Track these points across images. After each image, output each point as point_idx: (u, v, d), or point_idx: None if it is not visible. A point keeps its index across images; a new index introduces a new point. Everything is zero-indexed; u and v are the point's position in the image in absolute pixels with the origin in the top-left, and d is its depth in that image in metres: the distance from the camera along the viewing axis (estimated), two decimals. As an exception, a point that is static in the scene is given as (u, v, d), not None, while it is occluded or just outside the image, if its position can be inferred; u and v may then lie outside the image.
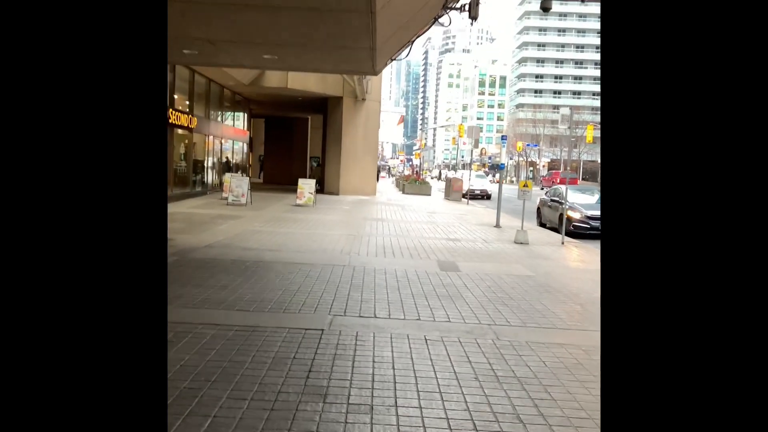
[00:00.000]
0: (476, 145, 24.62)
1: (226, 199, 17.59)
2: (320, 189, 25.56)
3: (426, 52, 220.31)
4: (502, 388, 3.86)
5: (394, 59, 10.57)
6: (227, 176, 18.56)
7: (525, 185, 13.37)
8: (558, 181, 51.97)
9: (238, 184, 17.61)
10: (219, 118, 22.75)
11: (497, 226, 15.07)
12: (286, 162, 32.28)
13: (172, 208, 15.50)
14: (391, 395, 3.64)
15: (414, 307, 5.95)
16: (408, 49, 10.42)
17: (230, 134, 24.60)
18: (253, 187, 27.46)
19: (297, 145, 33.36)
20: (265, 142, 34.20)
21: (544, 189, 49.37)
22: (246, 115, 27.90)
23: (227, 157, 25.01)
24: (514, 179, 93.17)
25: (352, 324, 5.22)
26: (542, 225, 16.75)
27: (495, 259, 9.62)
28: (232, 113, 25.06)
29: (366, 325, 5.20)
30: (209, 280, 6.68)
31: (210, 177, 21.74)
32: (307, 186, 18.65)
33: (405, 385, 3.81)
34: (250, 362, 4.10)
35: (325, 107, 25.44)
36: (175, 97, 17.39)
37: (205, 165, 21.36)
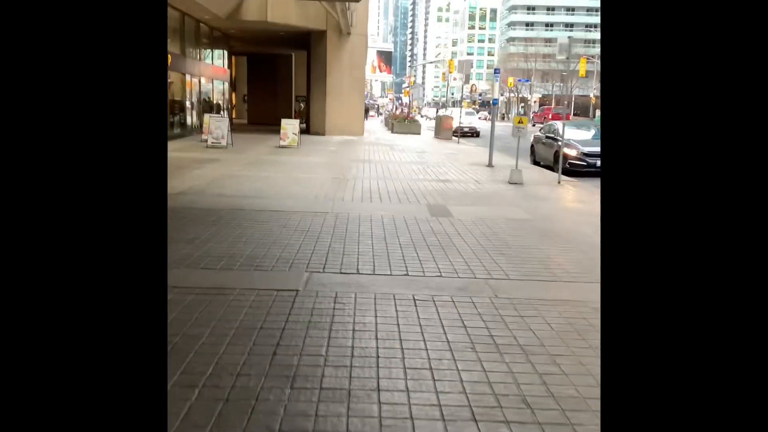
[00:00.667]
0: (467, 81, 23.64)
1: (206, 141, 16.71)
2: (306, 129, 24.61)
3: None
4: (504, 361, 3.30)
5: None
6: (206, 117, 17.58)
7: (520, 121, 12.60)
8: (550, 117, 51.00)
9: (217, 126, 16.69)
10: (196, 56, 21.49)
11: (490, 165, 14.39)
12: (271, 101, 31.07)
13: (148, 152, 14.64)
14: (373, 375, 3.06)
15: (402, 260, 5.35)
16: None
17: (209, 73, 23.37)
18: (237, 128, 26.48)
19: (281, 84, 32.08)
20: (248, 80, 32.85)
21: (536, 125, 48.56)
22: (226, 52, 26.52)
23: (208, 97, 23.87)
24: (505, 116, 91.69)
25: (331, 283, 4.61)
26: (536, 163, 16.08)
27: (489, 202, 9.00)
28: (211, 50, 23.72)
29: (347, 284, 4.59)
30: (175, 233, 6.02)
31: (190, 118, 20.70)
32: (290, 126, 17.76)
33: (389, 361, 3.23)
34: (208, 335, 3.49)
35: (309, 43, 24.11)
36: (145, 32, 16.17)
37: (184, 106, 20.28)
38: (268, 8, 20.00)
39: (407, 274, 4.93)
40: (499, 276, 4.99)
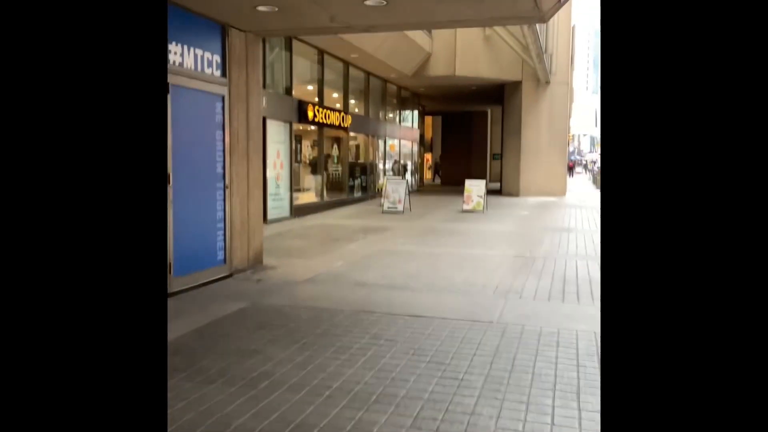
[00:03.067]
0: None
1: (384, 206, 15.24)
2: (499, 189, 22.23)
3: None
4: None
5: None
6: (383, 180, 16.18)
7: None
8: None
9: (394, 189, 15.14)
10: (382, 116, 20.62)
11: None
12: (465, 161, 29.38)
13: (319, 218, 13.51)
14: None
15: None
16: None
17: (397, 133, 22.40)
18: (426, 189, 25.15)
19: (476, 142, 30.31)
20: (442, 140, 31.69)
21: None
22: (417, 112, 25.58)
23: (396, 159, 22.89)
24: None
25: None
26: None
27: None
28: (398, 110, 22.85)
29: None
30: (244, 359, 4.04)
31: (373, 182, 19.66)
32: (475, 188, 15.54)
33: None
34: None
35: (503, 95, 21.97)
36: (324, 91, 15.48)
37: (366, 168, 19.32)
38: (457, 62, 18.41)
39: None
40: None
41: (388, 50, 15.81)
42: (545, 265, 7.79)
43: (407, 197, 15.10)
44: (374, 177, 19.77)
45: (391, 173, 20.46)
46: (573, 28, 24.13)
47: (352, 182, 18.07)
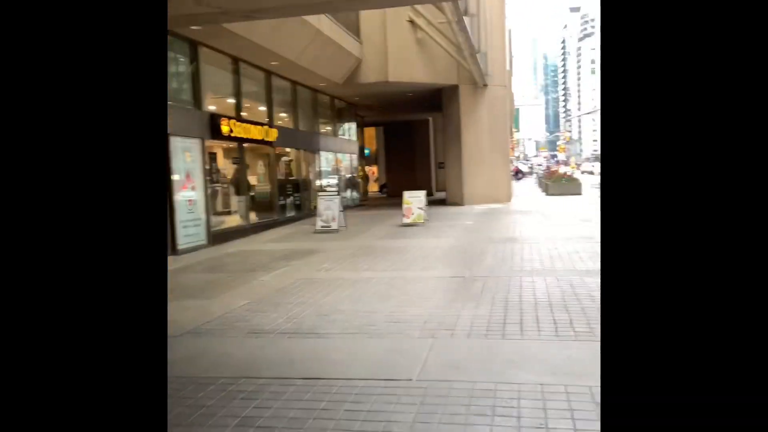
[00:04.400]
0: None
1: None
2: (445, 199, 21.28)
3: (563, 41, 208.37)
4: None
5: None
6: (318, 197, 14.89)
7: None
8: None
9: (326, 206, 13.89)
10: (315, 128, 19.38)
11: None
12: (409, 172, 28.38)
13: (243, 244, 12.12)
14: None
15: None
16: None
17: (333, 146, 21.19)
18: (370, 203, 23.96)
19: (419, 152, 29.40)
20: (385, 151, 30.67)
21: None
22: (355, 123, 24.45)
23: (342, 174, 21.66)
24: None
25: None
26: None
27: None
28: (334, 122, 21.66)
29: None
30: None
31: (308, 198, 18.34)
32: (415, 200, 14.46)
33: None
34: None
35: (441, 101, 21.07)
36: (243, 103, 14.13)
37: (299, 185, 18.01)
38: (389, 67, 17.36)
39: None
40: None
41: (312, 56, 14.61)
42: (486, 287, 6.69)
43: (341, 214, 13.87)
44: (309, 194, 18.45)
45: (334, 189, 19.12)
46: (509, 31, 23.65)
47: (284, 201, 16.71)
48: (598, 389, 3.16)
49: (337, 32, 15.02)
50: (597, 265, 7.82)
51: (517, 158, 76.61)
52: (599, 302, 5.92)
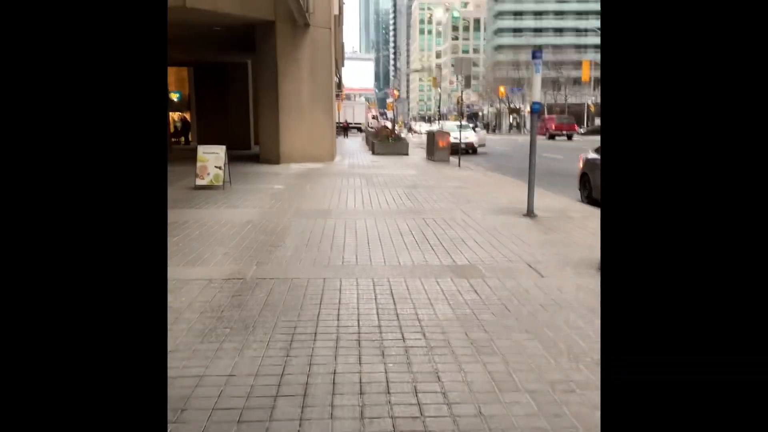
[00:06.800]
0: (468, 84, 17.72)
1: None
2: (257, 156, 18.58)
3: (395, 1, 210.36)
4: None
5: None
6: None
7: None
8: (553, 128, 45.33)
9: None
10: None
11: (530, 214, 8.40)
12: (222, 122, 24.98)
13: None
14: None
15: None
16: None
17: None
18: (172, 156, 20.22)
19: (234, 98, 26.01)
20: (196, 96, 26.80)
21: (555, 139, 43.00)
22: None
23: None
24: (496, 128, 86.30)
25: None
26: (591, 200, 10.15)
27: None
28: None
29: None
30: None
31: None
32: (212, 156, 11.68)
33: None
34: None
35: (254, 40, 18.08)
36: None
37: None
38: (188, -12, 14.02)
39: None
40: None
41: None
42: (269, 299, 4.44)
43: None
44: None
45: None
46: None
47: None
48: None
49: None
50: (427, 255, 5.96)
51: (382, 114, 75.25)
52: (417, 326, 3.56)
